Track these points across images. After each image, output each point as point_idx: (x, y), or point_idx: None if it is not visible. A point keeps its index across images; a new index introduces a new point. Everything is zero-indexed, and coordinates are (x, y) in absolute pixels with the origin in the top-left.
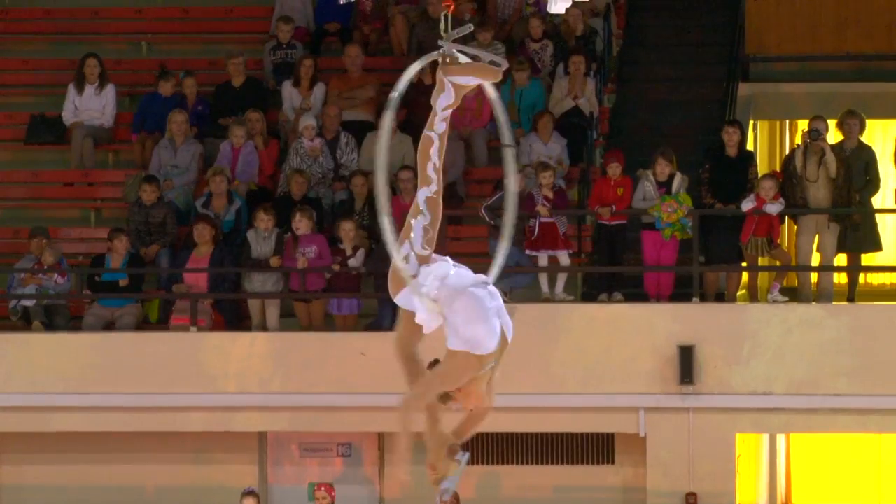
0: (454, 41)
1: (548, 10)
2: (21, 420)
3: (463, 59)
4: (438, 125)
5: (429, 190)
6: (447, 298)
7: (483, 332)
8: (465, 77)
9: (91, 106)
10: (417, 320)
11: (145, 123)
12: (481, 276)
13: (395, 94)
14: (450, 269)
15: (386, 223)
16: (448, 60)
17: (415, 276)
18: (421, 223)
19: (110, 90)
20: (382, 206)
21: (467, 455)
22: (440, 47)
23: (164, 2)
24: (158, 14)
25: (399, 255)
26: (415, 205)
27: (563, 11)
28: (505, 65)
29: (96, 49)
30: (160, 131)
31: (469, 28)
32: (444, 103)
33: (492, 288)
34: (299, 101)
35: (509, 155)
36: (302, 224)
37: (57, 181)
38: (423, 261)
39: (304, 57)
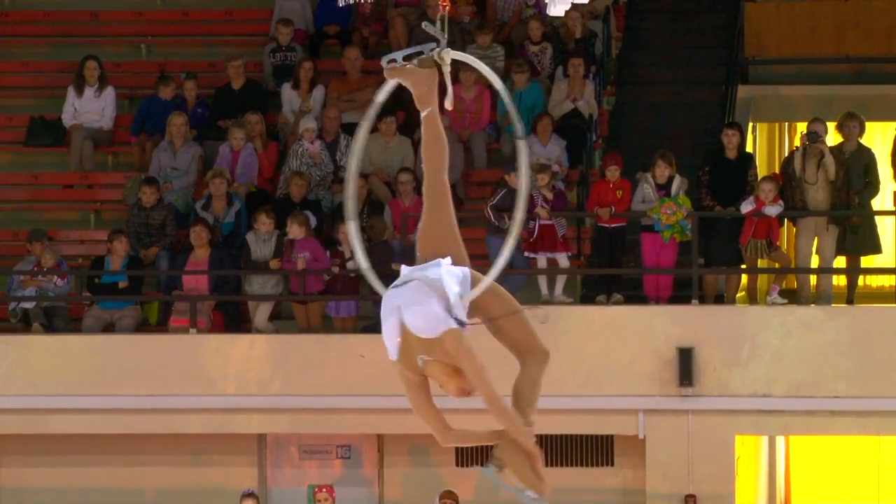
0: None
1: (547, 12)
2: (20, 422)
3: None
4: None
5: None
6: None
7: (384, 333)
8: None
9: (91, 108)
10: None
11: (145, 126)
12: (409, 275)
13: (374, 103)
14: (407, 270)
15: (352, 228)
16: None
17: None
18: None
19: (110, 92)
20: (349, 211)
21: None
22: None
23: (164, 4)
24: (158, 16)
25: (364, 260)
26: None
27: (562, 14)
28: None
29: (96, 51)
30: (160, 133)
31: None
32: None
33: (413, 284)
34: (299, 104)
35: (522, 147)
36: (293, 229)
37: (56, 183)
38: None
39: (304, 59)
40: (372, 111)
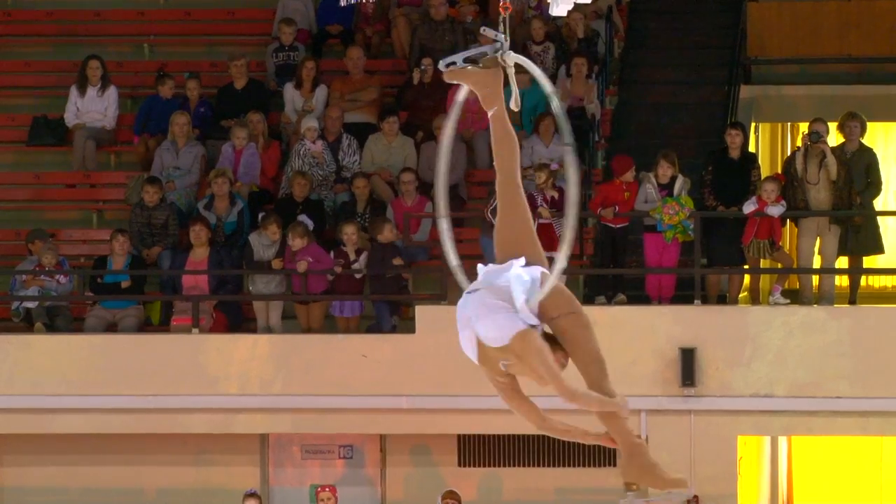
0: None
1: (549, 12)
2: (22, 422)
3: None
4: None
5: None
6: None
7: (461, 339)
8: (465, 82)
9: (93, 108)
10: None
11: (147, 125)
12: (482, 282)
13: (459, 101)
14: (485, 269)
15: (444, 226)
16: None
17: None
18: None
19: (112, 92)
20: (441, 210)
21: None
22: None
23: (167, 4)
24: (161, 16)
25: (455, 258)
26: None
27: (564, 14)
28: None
29: (98, 51)
30: (162, 133)
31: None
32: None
33: (479, 295)
34: (301, 103)
35: (570, 155)
36: (295, 242)
37: (59, 183)
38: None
39: (306, 59)
40: (453, 113)
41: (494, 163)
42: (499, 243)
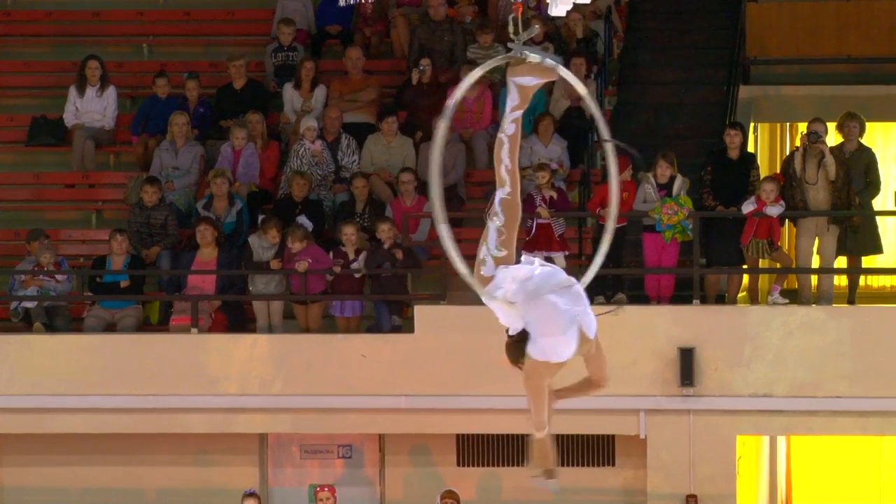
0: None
1: (548, 12)
2: (22, 421)
3: (532, 58)
4: (508, 127)
5: (503, 192)
6: (524, 303)
7: (557, 342)
8: (527, 77)
9: (92, 108)
10: (500, 321)
11: (147, 125)
12: (565, 278)
13: (453, 101)
14: (532, 271)
15: (444, 231)
16: (513, 62)
17: (492, 278)
18: (495, 225)
19: (111, 92)
20: (438, 216)
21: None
22: (509, 49)
23: (166, 4)
24: (160, 16)
25: (463, 265)
26: (492, 207)
27: (563, 14)
28: (558, 66)
29: (97, 51)
30: (161, 133)
31: (536, 30)
32: (510, 105)
33: (576, 289)
34: (300, 104)
35: (609, 149)
36: (294, 245)
37: (58, 183)
38: (501, 262)
39: (305, 59)
40: (447, 112)
41: (515, 160)
42: (510, 241)
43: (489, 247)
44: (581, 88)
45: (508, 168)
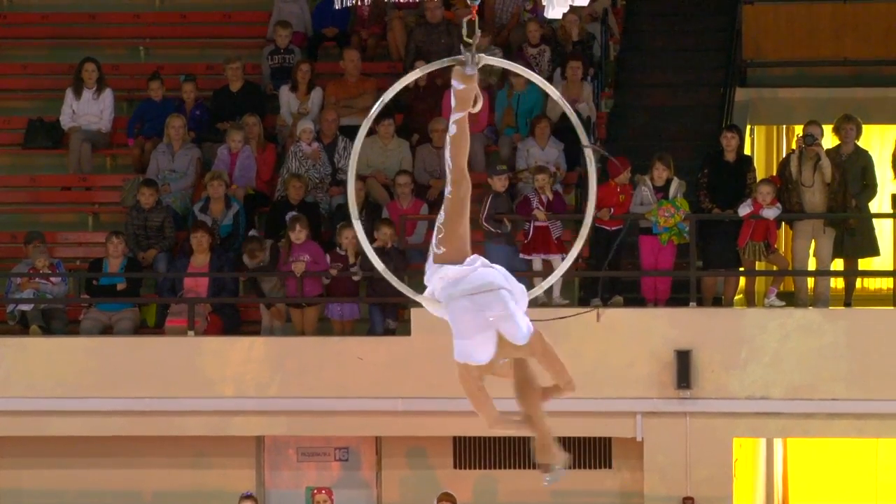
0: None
1: (545, 14)
2: (18, 424)
3: (471, 63)
4: (450, 128)
5: (446, 190)
6: (445, 304)
7: (470, 345)
8: (455, 82)
9: (89, 110)
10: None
11: (143, 128)
12: (492, 282)
13: (379, 103)
14: (466, 272)
15: (358, 227)
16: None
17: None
18: (437, 222)
19: (108, 95)
20: (352, 211)
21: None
22: (461, 53)
23: (162, 6)
24: (156, 19)
25: (376, 257)
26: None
27: (559, 16)
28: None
29: (94, 54)
30: (158, 136)
31: (479, 35)
32: (453, 107)
33: (502, 294)
34: (297, 106)
35: (589, 154)
36: (300, 234)
37: (55, 185)
38: (441, 259)
39: (301, 61)
40: (373, 114)
41: (457, 161)
42: (450, 240)
43: (432, 244)
44: (545, 86)
45: (450, 167)
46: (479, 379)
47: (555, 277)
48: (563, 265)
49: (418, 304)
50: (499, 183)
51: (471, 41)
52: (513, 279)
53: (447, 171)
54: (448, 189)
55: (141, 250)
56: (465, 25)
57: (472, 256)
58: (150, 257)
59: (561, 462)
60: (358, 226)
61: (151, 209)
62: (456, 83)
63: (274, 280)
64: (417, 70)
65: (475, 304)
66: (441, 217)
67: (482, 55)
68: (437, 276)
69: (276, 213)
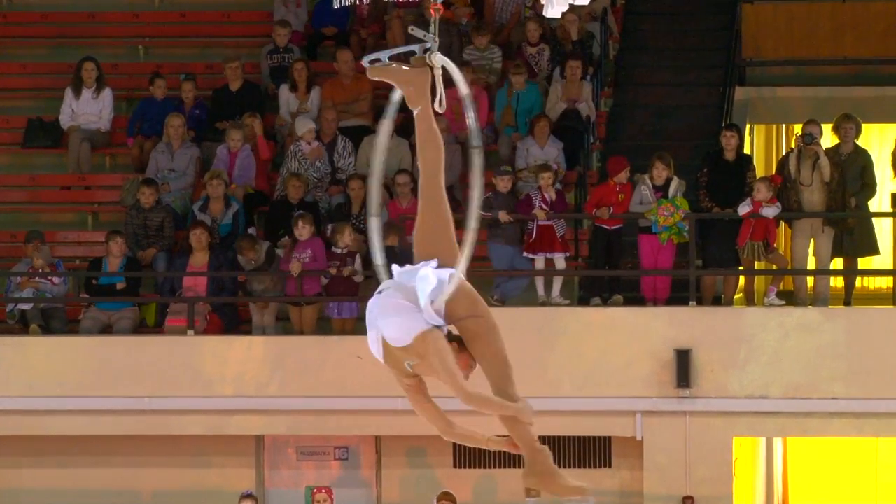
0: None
1: (543, 13)
2: (18, 423)
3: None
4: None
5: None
6: None
7: (369, 340)
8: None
9: (88, 110)
10: None
11: (143, 127)
12: (391, 281)
13: (392, 104)
14: (396, 271)
15: (374, 224)
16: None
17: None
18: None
19: (107, 94)
20: (373, 208)
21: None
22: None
23: (162, 6)
24: (155, 18)
25: (381, 258)
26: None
27: (558, 16)
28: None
29: (93, 53)
30: (157, 135)
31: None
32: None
33: (384, 294)
34: (296, 105)
35: (476, 157)
36: (305, 230)
37: (54, 185)
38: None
39: (297, 61)
40: (390, 110)
41: (418, 162)
42: (417, 242)
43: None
44: (465, 90)
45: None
46: (401, 381)
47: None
48: (460, 269)
49: None
50: (502, 183)
51: (427, 33)
52: (430, 285)
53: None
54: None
55: (140, 249)
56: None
57: (432, 261)
58: (150, 256)
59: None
60: (376, 223)
61: (151, 208)
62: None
63: (266, 280)
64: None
65: (369, 302)
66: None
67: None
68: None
69: (275, 212)
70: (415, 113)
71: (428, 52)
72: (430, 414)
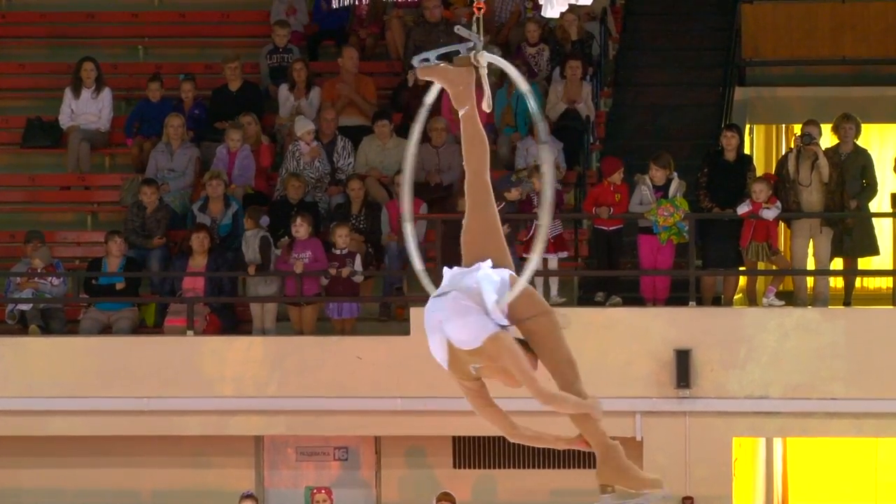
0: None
1: (542, 14)
2: (17, 424)
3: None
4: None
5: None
6: None
7: (431, 344)
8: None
9: (87, 110)
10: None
11: (142, 127)
12: (456, 283)
13: (424, 107)
14: (452, 274)
15: (408, 229)
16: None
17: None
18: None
19: (107, 94)
20: (406, 213)
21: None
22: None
23: (161, 6)
24: (155, 18)
25: (419, 261)
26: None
27: (557, 16)
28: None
29: (93, 53)
30: (156, 135)
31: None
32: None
33: (451, 296)
34: (296, 105)
35: (545, 151)
36: (302, 229)
37: (54, 185)
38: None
39: (296, 60)
40: (422, 114)
41: (464, 163)
42: (466, 244)
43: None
44: (524, 86)
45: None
46: (463, 385)
47: (524, 281)
48: (528, 269)
49: (417, 304)
50: (513, 194)
51: (470, 30)
52: (494, 285)
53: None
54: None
55: (144, 239)
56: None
57: (486, 261)
58: (157, 245)
59: (643, 488)
60: (410, 228)
61: (154, 209)
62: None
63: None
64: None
65: (429, 307)
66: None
67: (482, 51)
68: (448, 274)
69: (275, 212)
70: (461, 113)
71: (473, 52)
72: (493, 416)
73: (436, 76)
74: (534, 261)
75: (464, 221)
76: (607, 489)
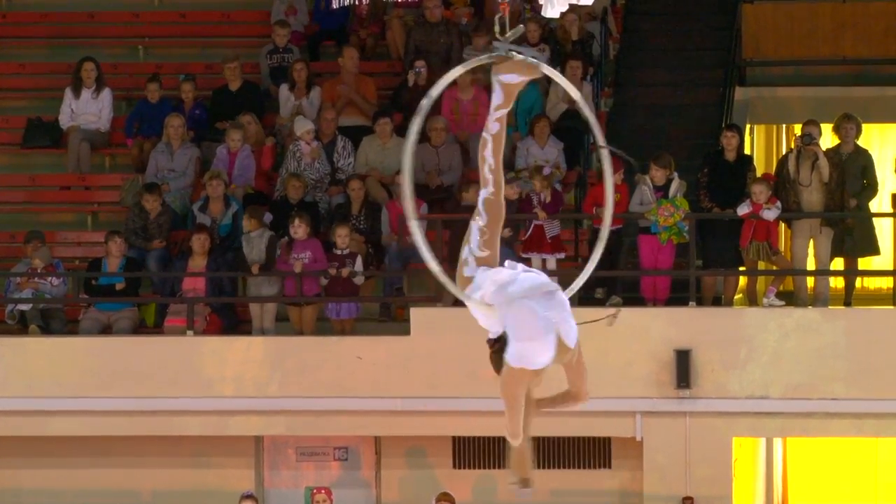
0: (504, 43)
1: (542, 13)
2: (17, 424)
3: (516, 56)
4: (492, 126)
5: (486, 191)
6: (502, 306)
7: (533, 348)
8: (511, 75)
9: (88, 110)
10: (480, 323)
11: (142, 127)
12: (547, 284)
13: (427, 100)
14: (514, 275)
15: (415, 227)
16: (497, 61)
17: (472, 279)
18: (478, 224)
19: (107, 94)
20: (409, 211)
21: None
22: (494, 49)
23: (161, 6)
24: (155, 18)
25: (434, 260)
26: (476, 207)
27: (557, 16)
28: (541, 63)
29: (93, 53)
30: (156, 135)
31: (522, 29)
32: (495, 104)
33: (559, 296)
34: (296, 105)
35: (605, 154)
36: (300, 229)
37: (54, 185)
38: (483, 262)
39: (296, 61)
40: (422, 113)
41: (498, 160)
42: (492, 242)
43: (472, 247)
44: (568, 86)
45: (492, 167)
46: (525, 386)
47: (580, 281)
48: (586, 269)
49: (417, 304)
50: (511, 191)
51: (505, 36)
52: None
53: (486, 171)
54: (490, 190)
55: (144, 241)
56: (497, 22)
57: (508, 261)
58: (157, 247)
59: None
60: (416, 226)
61: (155, 214)
62: (511, 77)
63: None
64: (460, 67)
65: (540, 306)
66: (483, 219)
67: (518, 49)
68: (488, 281)
69: (275, 212)
70: (502, 113)
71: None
72: (519, 410)
73: (518, 70)
74: (593, 261)
75: (489, 215)
76: (523, 482)
